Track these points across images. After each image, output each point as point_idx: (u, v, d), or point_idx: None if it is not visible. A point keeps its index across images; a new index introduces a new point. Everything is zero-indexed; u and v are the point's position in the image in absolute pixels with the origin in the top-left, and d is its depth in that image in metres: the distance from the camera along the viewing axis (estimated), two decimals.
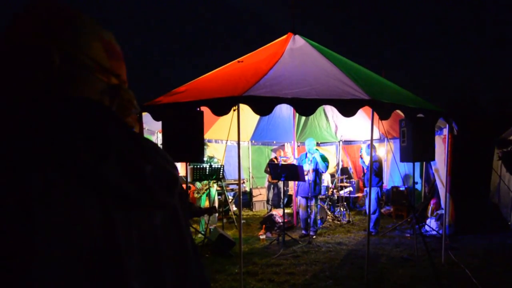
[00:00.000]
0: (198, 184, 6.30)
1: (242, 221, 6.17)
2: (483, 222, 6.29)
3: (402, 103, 4.08)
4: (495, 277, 4.10)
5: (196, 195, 6.33)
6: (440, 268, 4.28)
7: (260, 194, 9.04)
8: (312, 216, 5.93)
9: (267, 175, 8.48)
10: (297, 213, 6.61)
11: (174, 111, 3.89)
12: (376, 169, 6.24)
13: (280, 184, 8.33)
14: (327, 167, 5.96)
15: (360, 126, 7.98)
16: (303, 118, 8.32)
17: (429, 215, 6.58)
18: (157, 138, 6.50)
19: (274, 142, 9.70)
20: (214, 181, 6.14)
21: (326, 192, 7.72)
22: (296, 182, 6.29)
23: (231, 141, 8.44)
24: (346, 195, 8.00)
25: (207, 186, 6.23)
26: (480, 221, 6.28)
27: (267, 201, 8.75)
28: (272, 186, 8.58)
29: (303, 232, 6.01)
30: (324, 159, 5.91)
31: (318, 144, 9.53)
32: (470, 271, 4.08)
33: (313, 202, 5.90)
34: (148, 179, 0.54)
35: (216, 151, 8.22)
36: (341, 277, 4.08)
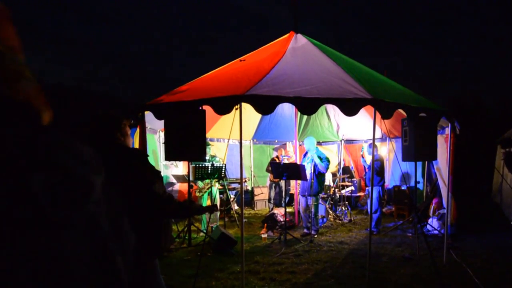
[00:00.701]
0: (200, 183, 6.31)
1: (244, 220, 6.18)
2: (485, 222, 6.28)
3: (404, 102, 4.07)
4: (497, 277, 4.09)
5: (197, 194, 6.34)
6: (441, 268, 4.28)
7: (262, 193, 9.04)
8: (312, 215, 5.93)
9: (269, 174, 8.49)
10: (299, 212, 6.61)
11: (176, 110, 3.90)
12: (377, 168, 6.24)
13: (282, 183, 8.34)
14: (327, 166, 5.93)
15: (362, 125, 7.97)
16: (305, 117, 8.31)
17: (431, 214, 6.57)
18: (160, 137, 6.51)
19: (276, 141, 9.70)
20: (216, 180, 6.15)
21: (328, 191, 7.71)
22: (299, 181, 6.28)
23: (233, 140, 8.45)
24: (347, 194, 8.00)
25: (209, 186, 6.24)
26: (482, 221, 6.28)
27: (269, 200, 8.76)
28: (274, 185, 8.59)
29: (305, 231, 6.01)
30: (323, 158, 5.88)
31: (319, 143, 9.54)
32: (472, 271, 4.07)
33: (311, 201, 5.90)
34: (37, 191, 0.39)
35: (218, 150, 8.23)
36: (342, 276, 4.08)
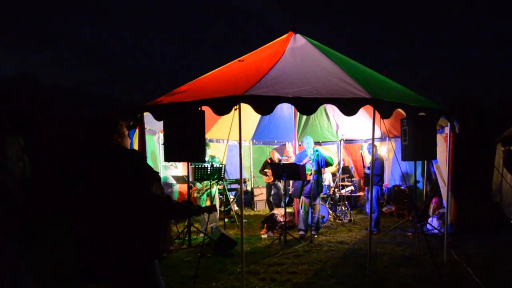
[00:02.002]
0: (198, 185, 6.30)
1: (244, 221, 6.17)
2: (485, 221, 6.27)
3: (403, 102, 4.06)
4: (497, 276, 4.09)
5: (196, 194, 6.33)
6: (442, 267, 4.27)
7: (262, 194, 9.02)
8: (316, 215, 5.92)
9: (264, 176, 8.39)
10: (299, 212, 6.60)
11: (175, 111, 3.89)
12: (377, 167, 6.23)
13: (279, 183, 8.31)
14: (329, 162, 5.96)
15: (361, 125, 7.96)
16: (304, 117, 8.31)
17: (430, 213, 6.56)
18: (159, 138, 6.50)
19: (275, 141, 9.70)
20: (215, 182, 6.14)
21: (328, 191, 7.71)
22: (291, 183, 6.28)
23: (232, 141, 8.44)
24: (347, 194, 8.00)
25: (208, 187, 6.24)
26: (482, 220, 6.26)
27: (267, 201, 8.65)
28: (271, 185, 8.50)
29: (302, 233, 5.95)
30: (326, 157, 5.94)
31: (319, 143, 9.54)
32: (472, 270, 4.07)
33: (317, 202, 5.90)
34: None
35: (218, 150, 8.21)
36: (342, 276, 4.07)
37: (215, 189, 6.31)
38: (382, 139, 8.48)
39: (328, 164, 5.90)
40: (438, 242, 5.20)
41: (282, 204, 7.74)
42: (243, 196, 3.77)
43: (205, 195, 6.30)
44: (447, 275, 4.05)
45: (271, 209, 8.27)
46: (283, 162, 7.50)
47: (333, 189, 7.76)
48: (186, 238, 5.45)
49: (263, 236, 5.95)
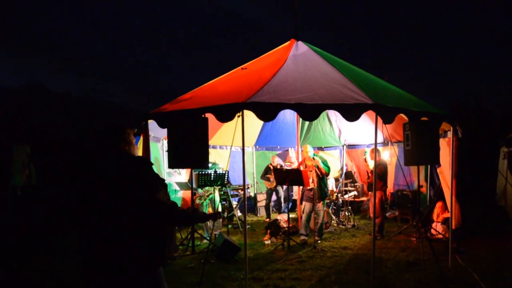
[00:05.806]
0: (200, 191, 6.32)
1: (247, 227, 6.17)
2: (489, 225, 6.24)
3: (405, 107, 4.09)
4: (503, 281, 4.06)
5: (198, 201, 6.34)
6: (447, 273, 4.25)
7: (265, 199, 9.00)
8: (320, 221, 5.92)
9: (265, 182, 8.34)
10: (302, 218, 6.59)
11: (179, 118, 3.94)
12: (379, 173, 6.23)
13: (279, 189, 8.27)
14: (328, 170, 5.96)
15: (364, 130, 7.98)
16: (307, 123, 8.34)
17: (434, 218, 6.53)
18: (163, 145, 6.55)
19: (278, 147, 9.73)
20: (218, 187, 6.16)
21: (331, 196, 7.70)
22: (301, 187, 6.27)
23: (236, 147, 8.47)
24: (350, 199, 7.98)
25: (209, 193, 6.27)
26: (486, 224, 6.23)
27: (266, 206, 8.49)
28: (273, 191, 8.43)
29: (304, 237, 5.93)
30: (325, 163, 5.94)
31: (322, 149, 9.56)
32: (478, 275, 4.04)
33: (320, 207, 5.90)
34: None
35: (221, 157, 8.25)
36: (346, 282, 4.06)
37: (216, 195, 6.31)
38: (384, 144, 8.49)
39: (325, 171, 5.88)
40: (443, 247, 5.17)
41: (285, 209, 7.72)
42: (246, 202, 3.78)
43: (207, 201, 6.32)
44: (452, 280, 4.03)
45: (268, 215, 8.23)
46: (285, 167, 7.51)
47: (336, 194, 7.75)
48: (190, 245, 5.46)
49: (266, 242, 5.94)
